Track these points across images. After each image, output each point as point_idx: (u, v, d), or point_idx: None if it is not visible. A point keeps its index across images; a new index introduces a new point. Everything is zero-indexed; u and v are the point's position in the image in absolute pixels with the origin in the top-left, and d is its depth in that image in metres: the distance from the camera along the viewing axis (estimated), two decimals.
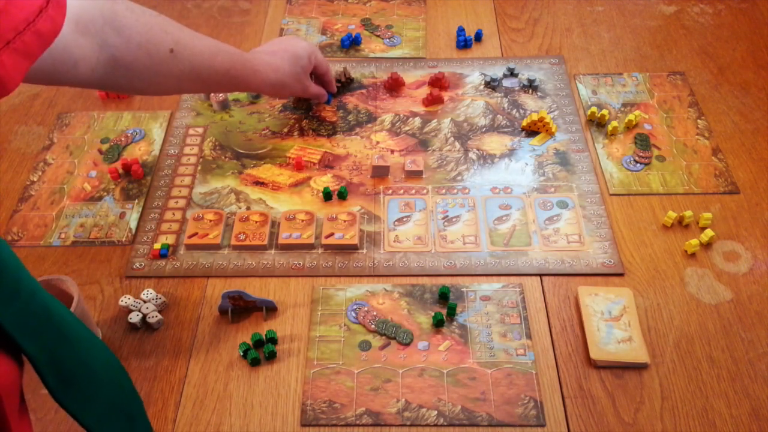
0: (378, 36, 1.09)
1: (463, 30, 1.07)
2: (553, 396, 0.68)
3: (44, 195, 0.88)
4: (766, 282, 0.76)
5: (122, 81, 0.70)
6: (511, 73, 1.01)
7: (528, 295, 0.76)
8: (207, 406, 0.68)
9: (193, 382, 0.70)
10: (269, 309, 0.76)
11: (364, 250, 0.80)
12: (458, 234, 0.81)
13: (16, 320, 0.41)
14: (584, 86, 0.99)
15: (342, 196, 0.85)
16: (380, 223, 0.83)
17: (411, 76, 1.02)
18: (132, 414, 0.54)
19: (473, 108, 0.97)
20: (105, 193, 0.88)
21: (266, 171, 0.90)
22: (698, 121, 0.94)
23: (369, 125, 0.95)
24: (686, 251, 0.79)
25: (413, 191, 0.86)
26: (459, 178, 0.88)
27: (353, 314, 0.75)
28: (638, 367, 0.69)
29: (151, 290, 0.76)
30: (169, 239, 0.82)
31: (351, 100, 0.99)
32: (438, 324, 0.73)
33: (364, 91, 1.00)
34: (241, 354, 0.71)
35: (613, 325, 0.72)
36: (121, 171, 0.90)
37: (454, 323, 0.74)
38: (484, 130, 0.94)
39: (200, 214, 0.84)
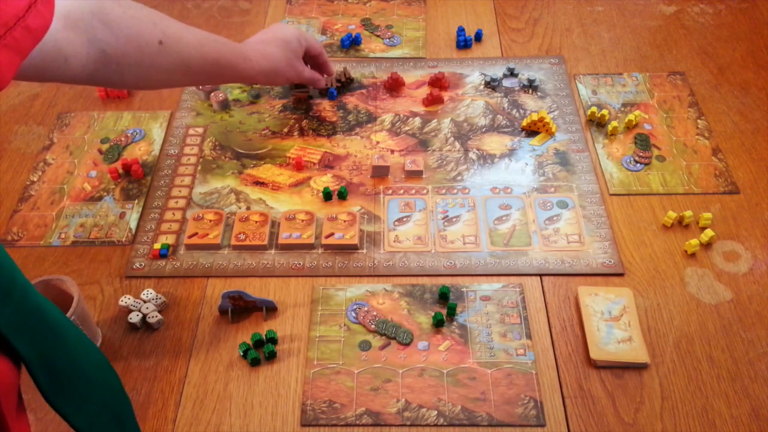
0: (378, 36, 1.09)
1: (463, 30, 1.07)
2: (553, 396, 0.68)
3: (44, 195, 0.88)
4: (766, 282, 0.76)
5: (113, 75, 0.70)
6: (511, 73, 1.01)
7: (528, 295, 0.76)
8: (207, 406, 0.68)
9: (193, 382, 0.70)
10: (269, 309, 0.76)
11: (364, 250, 0.80)
12: (458, 234, 0.81)
13: (9, 321, 0.41)
14: (584, 86, 0.99)
15: (342, 196, 0.85)
16: (380, 223, 0.83)
17: (411, 76, 1.02)
18: (121, 416, 0.54)
19: (473, 108, 0.97)
20: (105, 193, 0.88)
21: (266, 171, 0.90)
22: (698, 121, 0.94)
23: (369, 125, 0.95)
24: (686, 251, 0.79)
25: (413, 191, 0.86)
26: (459, 178, 0.88)
27: (353, 314, 0.75)
28: (638, 367, 0.69)
29: (151, 290, 0.76)
30: (169, 239, 0.82)
31: (351, 100, 0.99)
32: (438, 324, 0.73)
33: (364, 91, 1.00)
34: (241, 354, 0.71)
35: (613, 325, 0.72)
36: (121, 171, 0.90)
37: (454, 323, 0.74)
38: (484, 130, 0.94)
39: (200, 214, 0.84)
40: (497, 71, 1.02)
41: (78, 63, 0.64)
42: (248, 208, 0.85)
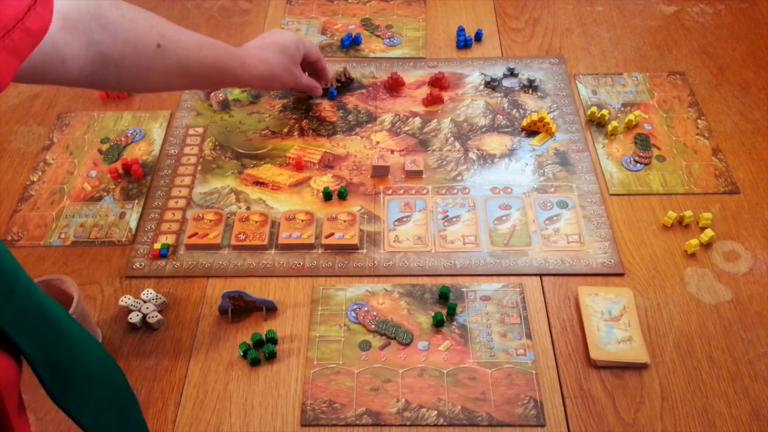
0: (378, 36, 1.09)
1: (463, 30, 1.07)
2: (553, 396, 0.68)
3: (44, 195, 0.88)
4: (766, 282, 0.76)
5: (111, 78, 0.70)
6: (511, 73, 1.01)
7: (528, 295, 0.76)
8: (207, 406, 0.68)
9: (193, 382, 0.70)
10: (269, 309, 0.76)
11: (364, 250, 0.80)
12: (458, 234, 0.81)
13: (13, 319, 0.41)
14: (584, 86, 0.99)
15: (342, 196, 0.85)
16: (380, 223, 0.83)
17: (411, 76, 1.02)
18: (127, 413, 0.54)
19: (473, 108, 0.97)
20: (105, 193, 0.88)
21: (266, 171, 0.90)
22: (698, 121, 0.94)
23: (369, 125, 0.95)
24: (686, 251, 0.79)
25: (413, 191, 0.86)
26: (459, 178, 0.88)
27: (353, 314, 0.75)
28: (638, 367, 0.69)
29: (151, 290, 0.76)
30: (169, 239, 0.82)
31: (351, 100, 0.99)
32: (438, 324, 0.73)
33: (364, 91, 1.00)
34: (241, 354, 0.71)
35: (613, 325, 0.72)
36: (121, 171, 0.90)
37: (454, 323, 0.74)
38: (484, 130, 0.94)
39: (200, 214, 0.84)
40: (497, 71, 1.02)
41: (76, 65, 0.64)
42: (248, 208, 0.85)
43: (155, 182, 0.89)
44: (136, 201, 0.87)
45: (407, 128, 0.94)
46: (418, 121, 0.95)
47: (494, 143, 0.92)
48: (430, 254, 0.80)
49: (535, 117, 0.92)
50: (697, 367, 0.69)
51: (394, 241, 0.81)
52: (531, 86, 0.99)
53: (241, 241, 0.81)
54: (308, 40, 0.92)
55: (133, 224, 0.84)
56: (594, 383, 0.69)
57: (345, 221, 0.82)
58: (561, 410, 0.67)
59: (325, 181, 0.88)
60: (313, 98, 0.99)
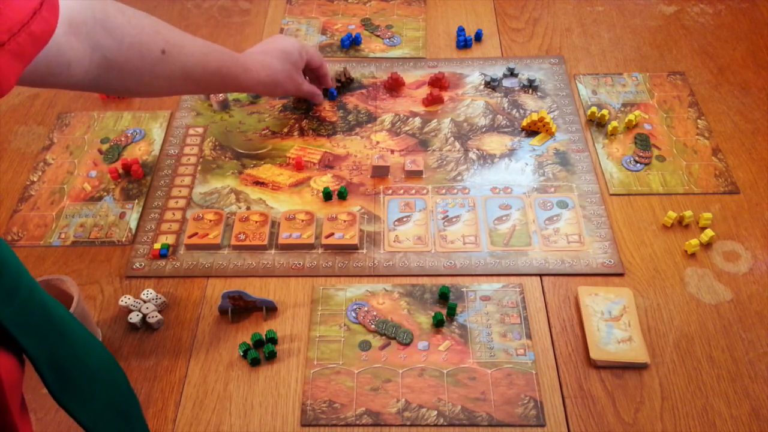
0: (378, 36, 1.09)
1: (463, 30, 1.07)
2: (553, 396, 0.68)
3: (44, 195, 0.88)
4: (766, 282, 0.76)
5: (115, 82, 0.71)
6: (511, 73, 1.01)
7: (528, 295, 0.76)
8: (207, 406, 0.68)
9: (193, 382, 0.70)
10: (269, 309, 0.76)
11: (364, 250, 0.80)
12: (458, 234, 0.81)
13: (16, 318, 0.42)
14: (584, 86, 0.99)
15: (342, 196, 0.85)
16: (380, 223, 0.83)
17: (411, 76, 1.02)
18: (129, 413, 0.54)
19: (473, 108, 0.97)
20: (105, 193, 0.88)
21: (266, 171, 0.90)
22: (698, 121, 0.94)
23: (369, 125, 0.95)
24: (686, 251, 0.79)
25: (413, 191, 0.86)
26: (459, 178, 0.88)
27: (353, 314, 0.75)
28: (638, 367, 0.69)
29: (151, 290, 0.76)
30: (169, 239, 0.82)
31: (351, 100, 0.99)
32: (438, 324, 0.73)
33: (364, 91, 1.00)
34: (241, 354, 0.71)
35: (613, 325, 0.72)
36: (121, 171, 0.90)
37: (454, 323, 0.74)
38: (484, 130, 0.94)
39: (200, 214, 0.84)
40: (497, 71, 1.02)
41: (80, 69, 0.65)
42: (248, 208, 0.85)
43: (155, 182, 0.89)
44: (136, 201, 0.87)
45: (407, 128, 0.94)
46: (418, 121, 0.95)
47: (494, 143, 0.92)
48: (430, 254, 0.80)
49: (535, 117, 0.92)
50: (697, 367, 0.69)
51: (394, 241, 0.81)
52: (531, 86, 0.99)
53: (241, 241, 0.81)
54: (311, 46, 0.92)
55: (133, 224, 0.84)
56: (594, 383, 0.69)
57: (345, 221, 0.82)
58: (561, 410, 0.67)
59: (325, 181, 0.88)
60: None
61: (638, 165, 0.88)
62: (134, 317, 0.74)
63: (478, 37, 1.07)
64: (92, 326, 0.72)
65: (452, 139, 0.93)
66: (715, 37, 1.07)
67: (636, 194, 0.85)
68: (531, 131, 0.93)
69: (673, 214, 0.81)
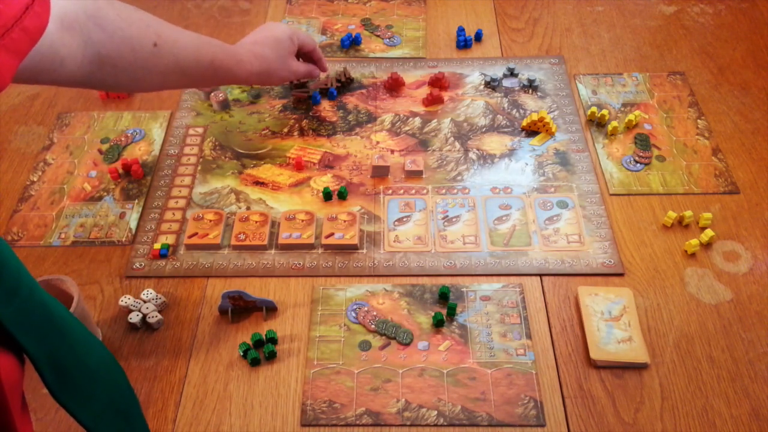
0: (378, 36, 1.09)
1: (463, 30, 1.07)
2: (553, 396, 0.68)
3: (44, 195, 0.88)
4: (766, 282, 0.76)
5: (108, 78, 0.71)
6: (511, 73, 1.01)
7: (528, 295, 0.76)
8: (207, 406, 0.68)
9: (193, 382, 0.70)
10: (269, 309, 0.76)
11: (364, 250, 0.80)
12: (458, 234, 0.81)
13: (16, 318, 0.42)
14: (584, 86, 0.99)
15: (342, 196, 0.85)
16: (380, 223, 0.83)
17: (411, 76, 1.02)
18: (128, 412, 0.54)
19: (473, 108, 0.97)
20: (105, 193, 0.88)
21: (266, 171, 0.90)
22: (698, 121, 0.94)
23: (369, 125, 0.95)
24: (686, 251, 0.79)
25: (413, 191, 0.86)
26: (459, 178, 0.88)
27: (353, 314, 0.75)
28: (638, 367, 0.69)
29: (151, 290, 0.76)
30: (169, 239, 0.82)
31: (351, 100, 0.99)
32: (438, 324, 0.73)
33: (364, 91, 1.00)
34: (241, 354, 0.71)
35: (613, 325, 0.72)
36: (121, 171, 0.90)
37: (454, 323, 0.74)
38: (484, 130, 0.94)
39: (200, 214, 0.84)
40: (497, 71, 1.02)
41: (73, 64, 0.65)
42: (248, 208, 0.85)
43: (155, 182, 0.89)
44: (136, 201, 0.87)
45: (407, 128, 0.94)
46: (418, 121, 0.95)
47: (494, 143, 0.92)
48: (430, 254, 0.80)
49: (535, 117, 0.92)
50: (697, 367, 0.69)
51: (394, 241, 0.81)
52: (531, 86, 0.99)
53: (241, 241, 0.81)
54: (302, 31, 0.91)
55: (133, 224, 0.84)
56: (594, 383, 0.69)
57: (345, 221, 0.82)
58: (561, 410, 0.67)
59: (325, 181, 0.88)
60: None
61: (638, 165, 0.88)
62: (134, 317, 0.74)
63: (478, 37, 1.07)
64: (92, 326, 0.72)
65: (452, 139, 0.93)
66: (715, 37, 1.07)
67: (636, 194, 0.85)
68: (531, 131, 0.93)
69: (673, 214, 0.81)
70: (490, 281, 0.77)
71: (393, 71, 1.01)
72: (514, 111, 0.96)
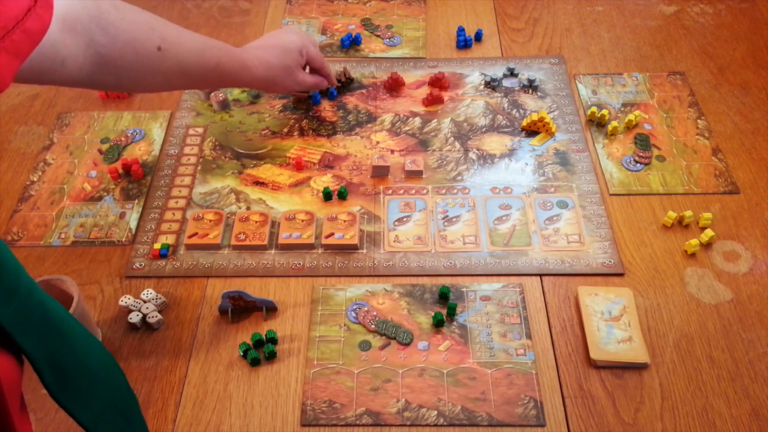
0: (378, 36, 1.09)
1: (463, 30, 1.07)
2: (553, 396, 0.68)
3: (44, 195, 0.88)
4: (766, 282, 0.76)
5: (110, 79, 0.70)
6: (511, 73, 1.01)
7: (528, 295, 0.76)
8: (207, 406, 0.68)
9: (193, 382, 0.70)
10: (269, 309, 0.76)
11: (364, 250, 0.80)
12: (458, 234, 0.81)
13: (15, 318, 0.42)
14: (584, 86, 0.99)
15: (342, 196, 0.85)
16: (380, 223, 0.83)
17: (411, 76, 1.02)
18: (128, 412, 0.54)
19: (473, 108, 0.97)
20: (105, 193, 0.88)
21: (266, 171, 0.90)
22: (698, 121, 0.94)
23: (369, 125, 0.95)
24: (686, 251, 0.79)
25: (413, 191, 0.86)
26: (459, 178, 0.88)
27: (353, 314, 0.75)
28: (638, 367, 0.69)
29: (151, 290, 0.76)
30: (169, 239, 0.82)
31: (351, 100, 0.99)
32: (438, 324, 0.73)
33: (364, 91, 1.00)
34: (241, 354, 0.71)
35: (613, 325, 0.72)
36: (121, 171, 0.90)
37: (454, 323, 0.74)
38: (484, 130, 0.94)
39: (200, 214, 0.84)
40: (497, 71, 1.02)
41: (75, 66, 0.64)
42: (248, 208, 0.85)
43: (155, 182, 0.89)
44: (136, 201, 0.87)
45: (407, 128, 0.94)
46: (418, 121, 0.95)
47: (494, 143, 0.92)
48: (430, 254, 0.80)
49: (535, 117, 0.92)
50: (697, 367, 0.69)
51: (394, 241, 0.81)
52: (531, 86, 0.99)
53: (241, 241, 0.81)
54: (313, 45, 0.90)
55: (133, 224, 0.84)
56: (594, 383, 0.69)
57: (345, 221, 0.82)
58: (561, 410, 0.67)
59: (325, 181, 0.88)
60: (315, 95, 0.98)
61: (638, 165, 0.88)
62: (134, 317, 0.74)
63: (478, 37, 1.07)
64: (92, 326, 0.72)
65: (452, 139, 0.93)
66: (715, 37, 1.07)
67: (636, 194, 0.85)
68: (531, 131, 0.93)
69: (673, 214, 0.81)
70: (490, 281, 0.77)
71: (393, 71, 1.01)
72: (514, 111, 0.96)
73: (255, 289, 0.77)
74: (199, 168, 0.90)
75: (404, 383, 0.69)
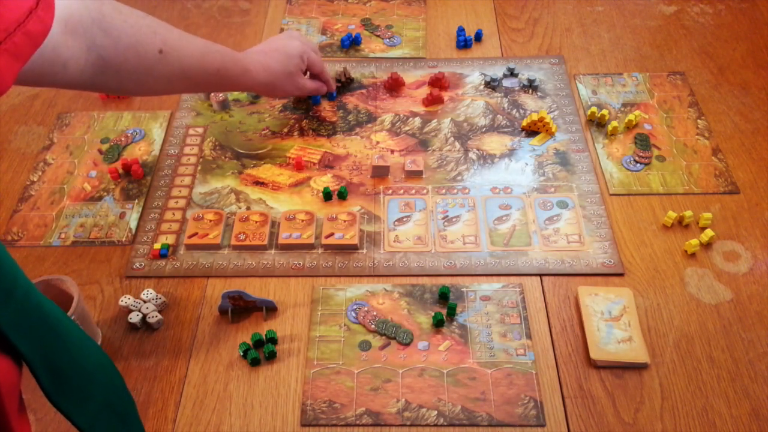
0: (378, 36, 1.09)
1: (463, 30, 1.07)
2: (553, 396, 0.68)
3: (44, 195, 0.88)
4: (766, 282, 0.76)
5: (112, 82, 0.70)
6: (511, 73, 1.01)
7: (528, 295, 0.76)
8: (207, 406, 0.68)
9: (193, 382, 0.70)
10: (269, 309, 0.76)
11: (364, 250, 0.80)
12: (458, 234, 0.81)
13: (12, 320, 0.41)
14: (584, 86, 0.99)
15: (342, 196, 0.85)
16: (380, 223, 0.83)
17: (411, 76, 1.02)
18: (125, 414, 0.54)
19: (473, 108, 0.97)
20: (105, 193, 0.88)
21: (266, 171, 0.90)
22: (698, 121, 0.94)
23: (369, 125, 0.95)
24: (686, 251, 0.79)
25: (413, 191, 0.86)
26: (459, 178, 0.88)
27: (353, 314, 0.75)
28: (638, 367, 0.69)
29: (151, 290, 0.76)
30: (169, 239, 0.82)
31: (351, 100, 0.99)
32: (438, 324, 0.73)
33: (364, 91, 1.00)
34: (241, 354, 0.71)
35: (613, 325, 0.72)
36: (121, 171, 0.90)
37: (454, 323, 0.74)
38: (484, 130, 0.94)
39: (200, 214, 0.84)
40: (497, 71, 1.02)
41: (76, 68, 0.64)
42: (248, 208, 0.85)
43: (155, 182, 0.89)
44: (136, 201, 0.87)
45: (407, 128, 0.94)
46: (418, 121, 0.95)
47: (494, 143, 0.92)
48: (430, 254, 0.80)
49: (535, 117, 0.92)
50: (697, 367, 0.69)
51: (394, 241, 0.81)
52: (531, 86, 0.99)
53: (241, 241, 0.81)
54: (314, 51, 0.91)
55: (133, 224, 0.84)
56: (594, 383, 0.69)
57: (345, 221, 0.82)
58: (561, 410, 0.67)
59: (325, 181, 0.88)
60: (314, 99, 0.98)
61: (638, 165, 0.88)
62: (134, 317, 0.74)
63: (478, 37, 1.07)
64: (92, 326, 0.72)
65: (452, 139, 0.93)
66: (715, 37, 1.07)
67: (636, 194, 0.85)
68: (531, 131, 0.93)
69: (673, 214, 0.81)
70: (490, 281, 0.77)
71: (393, 71, 1.01)
72: (514, 111, 0.96)
73: (255, 289, 0.77)
74: (199, 168, 0.90)
75: (404, 383, 0.69)
